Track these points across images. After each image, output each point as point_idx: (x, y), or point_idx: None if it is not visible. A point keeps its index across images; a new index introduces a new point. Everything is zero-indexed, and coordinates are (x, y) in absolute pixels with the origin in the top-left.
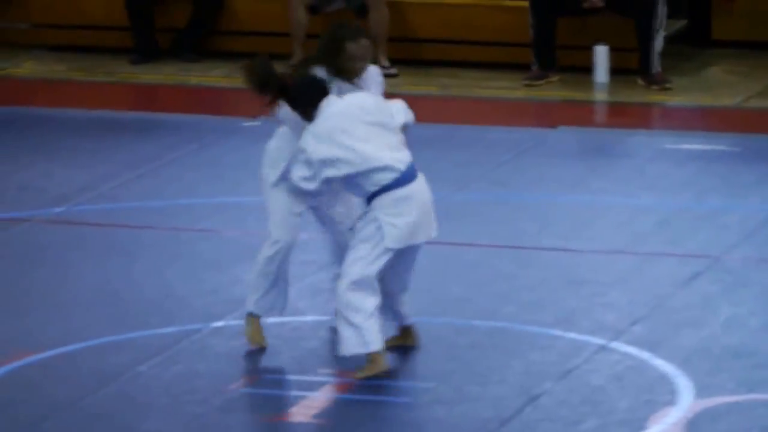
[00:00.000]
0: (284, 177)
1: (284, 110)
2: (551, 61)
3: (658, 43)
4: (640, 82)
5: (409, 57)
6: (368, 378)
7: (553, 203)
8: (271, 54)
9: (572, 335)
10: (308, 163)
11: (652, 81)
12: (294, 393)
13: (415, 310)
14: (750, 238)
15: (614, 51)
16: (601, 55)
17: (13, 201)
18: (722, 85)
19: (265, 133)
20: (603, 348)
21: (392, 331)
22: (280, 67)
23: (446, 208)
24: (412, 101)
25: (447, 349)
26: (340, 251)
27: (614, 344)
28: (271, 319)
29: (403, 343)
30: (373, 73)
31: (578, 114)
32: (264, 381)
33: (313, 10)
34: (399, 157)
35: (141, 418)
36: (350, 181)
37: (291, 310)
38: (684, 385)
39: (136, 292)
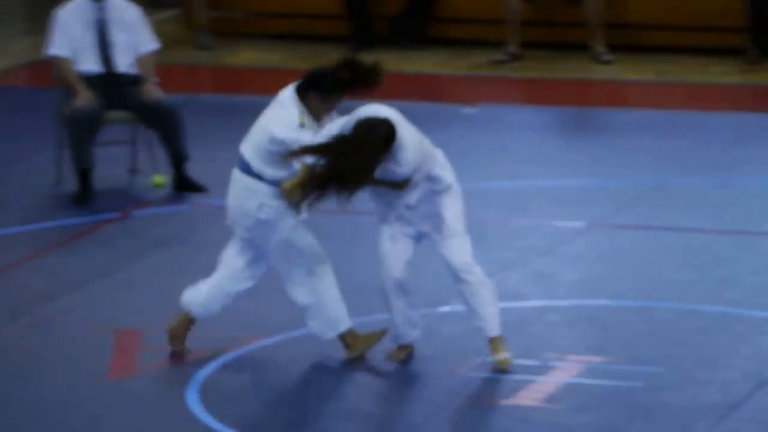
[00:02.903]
0: None
1: None
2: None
3: None
4: None
5: (626, 43)
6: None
7: None
8: (486, 41)
9: None
10: None
11: None
12: (521, 377)
13: (640, 294)
14: None
15: None
16: None
17: None
18: None
19: (483, 120)
20: None
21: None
22: (497, 55)
23: (668, 194)
24: (629, 87)
25: (674, 333)
26: None
27: None
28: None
29: None
30: None
31: None
32: (491, 365)
33: None
34: None
35: (370, 402)
36: None
37: (515, 296)
38: None
39: (358, 277)
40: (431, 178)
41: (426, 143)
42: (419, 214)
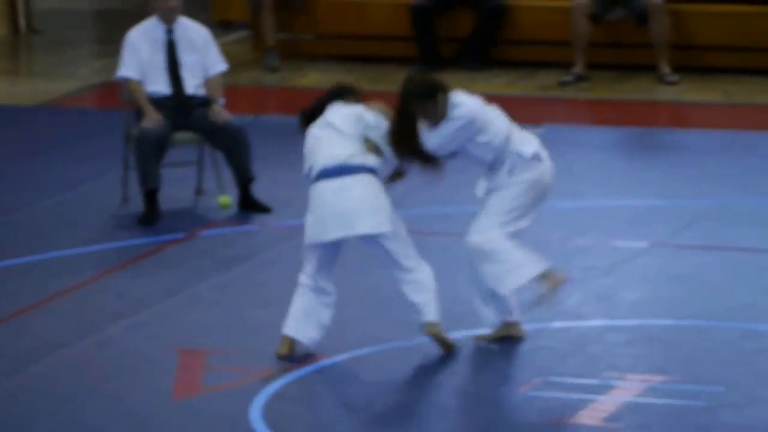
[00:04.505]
0: None
1: None
2: None
3: None
4: None
5: (691, 64)
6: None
7: None
8: (553, 63)
9: None
10: None
11: None
12: (582, 396)
13: (701, 314)
14: None
15: None
16: None
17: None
18: None
19: (549, 141)
20: None
21: None
22: (563, 76)
23: (733, 214)
24: (694, 108)
25: (735, 353)
26: None
27: None
28: (557, 324)
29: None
30: None
31: None
32: (551, 384)
33: (594, 18)
34: (332, 156)
35: (434, 420)
36: None
37: (576, 315)
38: None
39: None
40: (516, 154)
41: (501, 116)
42: None
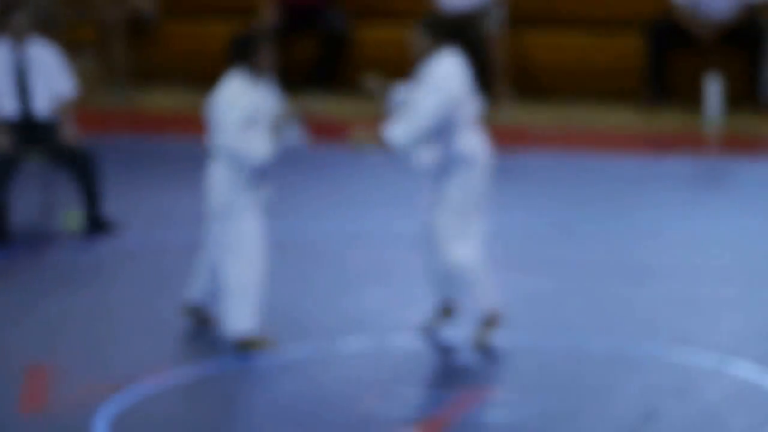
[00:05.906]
0: None
1: None
2: (665, 91)
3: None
4: (755, 112)
5: (530, 89)
6: None
7: (669, 227)
8: None
9: (688, 354)
10: None
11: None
12: (417, 409)
13: (534, 330)
14: None
15: (728, 81)
16: (714, 85)
17: (146, 225)
18: None
19: (392, 163)
20: (719, 367)
21: None
22: None
23: (566, 233)
24: (530, 131)
25: (567, 367)
26: None
27: (730, 364)
28: (395, 337)
29: None
30: None
31: (691, 143)
32: (387, 398)
33: None
34: None
35: (282, 428)
36: None
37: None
38: None
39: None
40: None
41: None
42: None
